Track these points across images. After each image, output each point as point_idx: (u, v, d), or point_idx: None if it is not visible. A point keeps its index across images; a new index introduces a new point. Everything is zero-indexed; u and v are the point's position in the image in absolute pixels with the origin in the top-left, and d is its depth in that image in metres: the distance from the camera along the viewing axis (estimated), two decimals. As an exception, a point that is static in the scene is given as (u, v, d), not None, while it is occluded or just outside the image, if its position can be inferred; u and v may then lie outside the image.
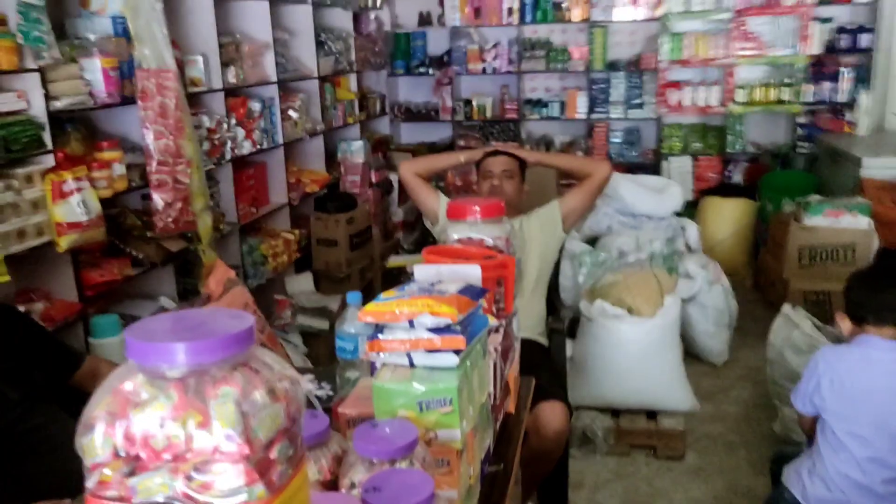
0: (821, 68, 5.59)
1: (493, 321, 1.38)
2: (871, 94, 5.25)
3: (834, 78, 5.55)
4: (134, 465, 0.50)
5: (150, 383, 0.51)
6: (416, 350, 1.13)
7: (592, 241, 3.87)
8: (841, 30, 5.52)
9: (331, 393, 1.70)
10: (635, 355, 3.05)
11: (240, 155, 3.88)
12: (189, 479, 0.49)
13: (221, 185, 3.78)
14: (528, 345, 2.43)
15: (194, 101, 3.52)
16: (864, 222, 3.86)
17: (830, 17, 5.56)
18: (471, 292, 1.23)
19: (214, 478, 0.49)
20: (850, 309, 1.98)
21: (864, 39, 5.44)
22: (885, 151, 4.46)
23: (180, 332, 0.52)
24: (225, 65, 3.77)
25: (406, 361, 1.15)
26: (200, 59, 3.56)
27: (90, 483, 0.51)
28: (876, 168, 4.25)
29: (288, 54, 4.53)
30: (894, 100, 5.21)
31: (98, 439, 0.50)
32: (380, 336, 1.16)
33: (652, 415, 3.12)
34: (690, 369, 3.35)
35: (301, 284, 4.29)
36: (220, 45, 3.71)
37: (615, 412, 3.15)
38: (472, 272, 1.37)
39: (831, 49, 5.54)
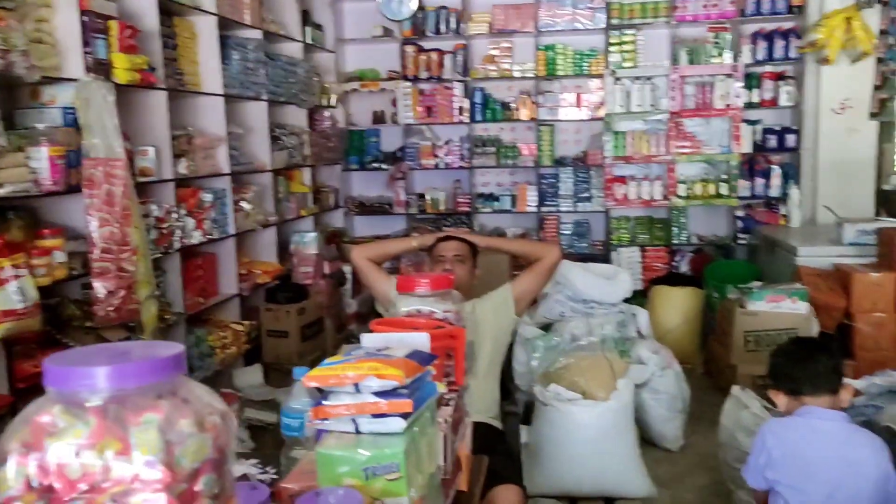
0: (753, 165, 5.88)
1: (442, 389, 1.36)
2: (801, 189, 5.52)
3: (765, 174, 5.84)
4: (48, 498, 0.46)
5: (67, 412, 0.48)
6: (361, 415, 1.11)
7: (545, 328, 3.88)
8: (768, 130, 5.86)
9: (275, 476, 1.63)
10: (591, 439, 3.02)
11: (189, 244, 3.84)
12: (106, 511, 0.46)
13: (169, 275, 3.72)
14: (482, 428, 2.39)
15: (144, 190, 3.51)
16: (803, 307, 3.97)
17: (758, 119, 5.91)
18: (419, 357, 1.21)
19: (133, 509, 0.46)
20: (782, 384, 2.02)
21: (789, 139, 5.78)
22: (818, 241, 4.66)
23: (103, 358, 0.50)
24: (177, 156, 3.79)
25: (352, 427, 1.12)
26: (152, 150, 3.57)
27: (0, 519, 0.47)
28: (811, 256, 4.42)
29: (242, 148, 4.58)
30: (824, 194, 5.47)
31: (10, 471, 0.47)
32: (324, 402, 1.13)
33: (609, 501, 3.06)
34: (646, 455, 3.32)
35: (250, 377, 4.18)
36: (173, 137, 3.75)
37: (572, 500, 3.07)
38: (421, 340, 1.35)
39: (761, 148, 5.86)
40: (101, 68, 3.10)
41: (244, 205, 4.46)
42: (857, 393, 2.57)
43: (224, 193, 4.25)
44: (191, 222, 3.86)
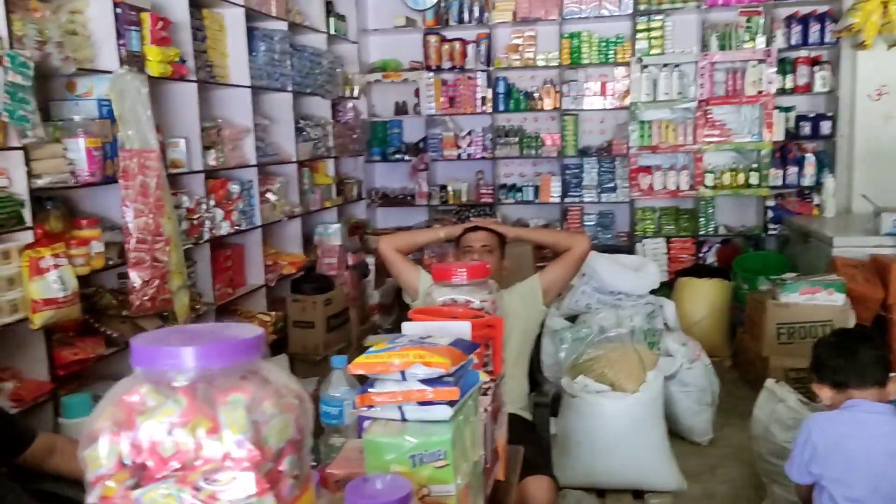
0: (785, 154, 5.80)
1: (484, 377, 1.36)
2: (836, 178, 5.43)
3: (798, 163, 5.75)
4: (139, 477, 0.47)
5: (156, 391, 0.49)
6: (408, 402, 1.11)
7: (572, 320, 3.87)
8: (802, 117, 5.77)
9: (313, 464, 1.64)
10: (620, 431, 3.01)
11: (218, 235, 3.88)
12: (197, 489, 0.47)
13: (199, 265, 3.75)
14: (512, 419, 2.38)
15: (175, 181, 3.54)
16: (839, 299, 3.92)
17: (791, 105, 5.82)
18: (462, 345, 1.21)
19: (223, 487, 0.47)
20: (827, 377, 1.99)
21: (824, 127, 5.69)
22: (854, 231, 4.59)
23: (187, 339, 0.51)
24: (206, 148, 3.82)
25: (398, 415, 1.12)
26: (183, 141, 3.60)
27: (91, 498, 0.48)
28: (846, 247, 4.35)
29: (267, 139, 4.61)
30: (860, 183, 5.39)
31: (103, 449, 0.48)
32: (370, 389, 1.13)
33: (639, 495, 3.05)
34: (675, 448, 3.30)
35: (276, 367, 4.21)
36: (203, 129, 3.77)
37: (601, 492, 3.07)
38: (462, 328, 1.36)
39: (794, 136, 5.77)
40: (134, 60, 3.13)
41: (270, 196, 4.49)
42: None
43: (251, 185, 4.28)
44: (219, 213, 3.90)
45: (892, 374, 1.98)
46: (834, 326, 3.81)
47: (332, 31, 5.54)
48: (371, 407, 1.14)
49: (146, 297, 2.95)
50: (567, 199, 6.17)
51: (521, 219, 6.36)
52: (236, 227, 4.07)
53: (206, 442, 0.47)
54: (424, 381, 1.11)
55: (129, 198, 2.91)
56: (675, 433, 3.58)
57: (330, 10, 5.57)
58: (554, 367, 3.56)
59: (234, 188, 4.09)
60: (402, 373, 1.12)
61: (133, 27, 3.13)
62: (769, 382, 2.98)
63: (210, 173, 3.89)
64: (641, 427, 3.08)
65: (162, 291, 3.00)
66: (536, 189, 6.22)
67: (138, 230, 2.93)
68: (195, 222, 3.60)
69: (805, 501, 2.01)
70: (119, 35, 3.06)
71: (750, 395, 3.19)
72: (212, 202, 3.84)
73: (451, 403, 1.11)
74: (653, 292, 3.97)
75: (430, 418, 1.11)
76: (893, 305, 3.92)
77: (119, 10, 3.05)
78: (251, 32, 4.33)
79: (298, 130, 4.97)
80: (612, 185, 6.12)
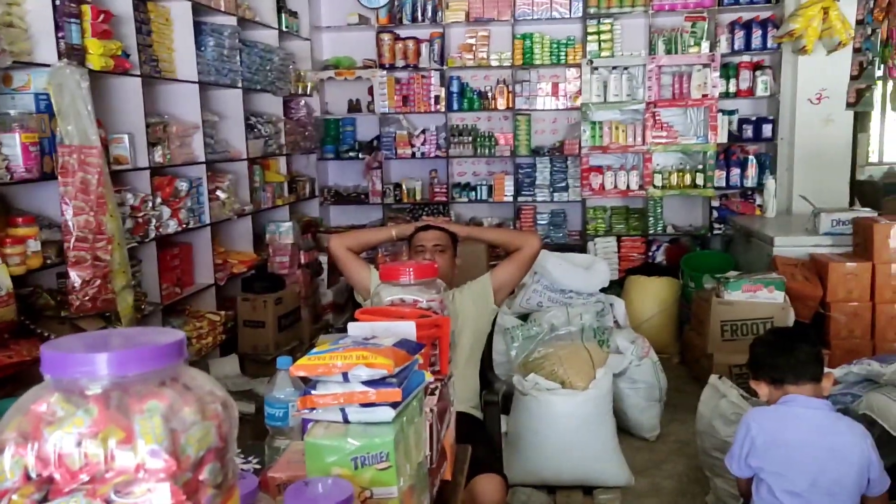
0: (729, 155, 5.94)
1: (429, 378, 1.35)
2: (777, 180, 5.58)
3: (741, 164, 5.90)
4: (47, 490, 0.45)
5: (67, 400, 0.47)
6: (350, 404, 1.09)
7: (524, 319, 3.89)
8: (744, 121, 5.92)
9: (258, 466, 1.61)
10: (570, 428, 3.03)
11: (164, 234, 3.79)
12: (108, 502, 0.45)
13: (144, 264, 3.67)
14: (462, 418, 2.39)
15: (119, 178, 3.46)
16: (779, 297, 4.02)
17: (735, 109, 5.96)
18: (407, 346, 1.21)
19: (137, 500, 0.45)
20: (764, 374, 2.04)
21: (766, 129, 5.85)
22: (794, 231, 4.71)
23: (101, 345, 0.49)
24: (152, 144, 3.73)
25: (340, 417, 1.10)
26: (126, 137, 3.52)
27: (-5, 514, 0.46)
28: (786, 246, 4.46)
29: (217, 136, 4.53)
30: (799, 184, 5.55)
31: (6, 462, 0.45)
32: (312, 392, 1.11)
33: (588, 491, 3.08)
34: (624, 444, 3.34)
35: (226, 368, 4.14)
36: (148, 125, 3.69)
37: (551, 489, 3.09)
38: (407, 329, 1.34)
39: (737, 138, 5.92)
40: (74, 54, 3.04)
41: (220, 194, 4.41)
42: (834, 382, 2.61)
43: (200, 182, 4.20)
44: (166, 211, 3.81)
45: (827, 371, 2.03)
46: (774, 323, 3.91)
47: (284, 28, 5.47)
48: (313, 409, 1.12)
49: (87, 298, 2.86)
50: (520, 199, 6.21)
51: (474, 217, 6.38)
52: (184, 226, 3.99)
53: (118, 453, 0.45)
54: (367, 383, 1.10)
55: (69, 195, 2.83)
56: (624, 429, 3.63)
57: (281, 6, 5.50)
58: (505, 365, 3.57)
59: (182, 186, 4.00)
60: (345, 374, 1.10)
61: (73, 19, 3.04)
62: (713, 378, 3.04)
63: (156, 170, 3.80)
64: (591, 424, 3.11)
65: (104, 291, 2.92)
66: (490, 188, 6.25)
67: (78, 228, 2.84)
68: (140, 220, 3.52)
69: (744, 494, 2.05)
70: (58, 27, 2.97)
71: (696, 391, 3.24)
72: (158, 200, 3.75)
73: (394, 405, 1.10)
74: (603, 290, 4.02)
75: (373, 420, 1.10)
76: (831, 303, 4.04)
77: (58, 2, 2.96)
78: (199, 27, 4.25)
79: (249, 127, 4.90)
80: (564, 184, 6.17)
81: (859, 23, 4.38)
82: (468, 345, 2.62)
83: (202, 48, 4.28)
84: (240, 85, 4.69)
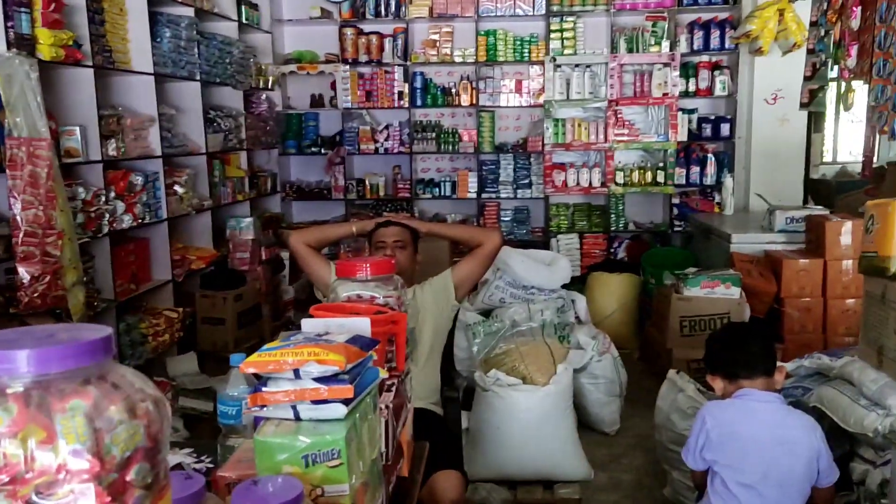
0: (689, 154, 6.02)
1: (384, 374, 1.34)
2: (735, 178, 5.68)
3: (701, 162, 5.98)
4: (-39, 493, 0.43)
5: (-15, 398, 0.45)
6: (301, 401, 1.08)
7: (486, 314, 3.89)
8: (703, 119, 6.01)
9: (211, 465, 1.59)
10: (530, 424, 3.05)
11: (119, 229, 3.71)
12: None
13: (97, 260, 3.58)
14: (422, 414, 2.38)
15: (70, 171, 3.37)
16: (735, 293, 4.09)
17: (694, 108, 6.04)
18: (360, 342, 1.19)
19: (59, 502, 0.43)
20: (719, 368, 2.07)
21: (724, 128, 5.95)
22: (750, 228, 4.79)
23: (24, 341, 0.47)
24: (105, 137, 3.65)
25: (291, 414, 1.08)
26: (78, 129, 3.43)
27: None
28: (743, 243, 4.55)
29: (174, 129, 4.44)
30: (756, 182, 5.65)
31: (-82, 464, 0.43)
32: (263, 389, 1.09)
33: (548, 485, 3.10)
34: (584, 439, 3.37)
35: (184, 365, 4.07)
36: (101, 118, 3.60)
37: (512, 484, 3.10)
38: (362, 325, 1.33)
39: (696, 136, 6.00)
40: (23, 43, 2.96)
41: (178, 188, 4.33)
42: (787, 375, 2.66)
43: (156, 176, 4.12)
44: (121, 206, 3.73)
45: (779, 364, 2.07)
46: (731, 319, 3.98)
47: (244, 20, 5.39)
48: (264, 406, 1.10)
49: (36, 294, 2.79)
50: (484, 195, 6.22)
51: (438, 214, 6.37)
52: (139, 221, 3.91)
53: (39, 453, 0.43)
54: (319, 380, 1.08)
55: (17, 188, 2.75)
56: (585, 424, 3.66)
57: (241, -3, 5.42)
58: (467, 361, 3.57)
59: (137, 180, 3.92)
60: (296, 371, 1.09)
61: (22, 8, 2.95)
62: (671, 373, 3.08)
63: (110, 164, 3.72)
64: (552, 419, 3.13)
65: (54, 288, 2.85)
66: (453, 184, 6.25)
67: (27, 223, 2.77)
68: (93, 215, 3.44)
69: (699, 487, 2.08)
70: (7, 17, 2.88)
71: (656, 386, 3.28)
72: (112, 194, 3.67)
73: (346, 402, 1.08)
74: (566, 287, 4.04)
75: (325, 417, 1.08)
76: (785, 299, 4.12)
77: (7, -10, 2.87)
78: (155, 17, 4.16)
79: (208, 121, 4.82)
80: (527, 181, 6.20)
81: (813, 24, 4.46)
82: (429, 341, 2.62)
83: (158, 39, 4.19)
84: (198, 77, 4.61)
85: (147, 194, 4.00)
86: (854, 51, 3.82)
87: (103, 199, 3.54)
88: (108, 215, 3.57)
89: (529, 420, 3.07)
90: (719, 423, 1.95)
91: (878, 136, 3.87)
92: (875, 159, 4.32)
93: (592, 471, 3.22)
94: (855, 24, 3.81)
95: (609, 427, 3.75)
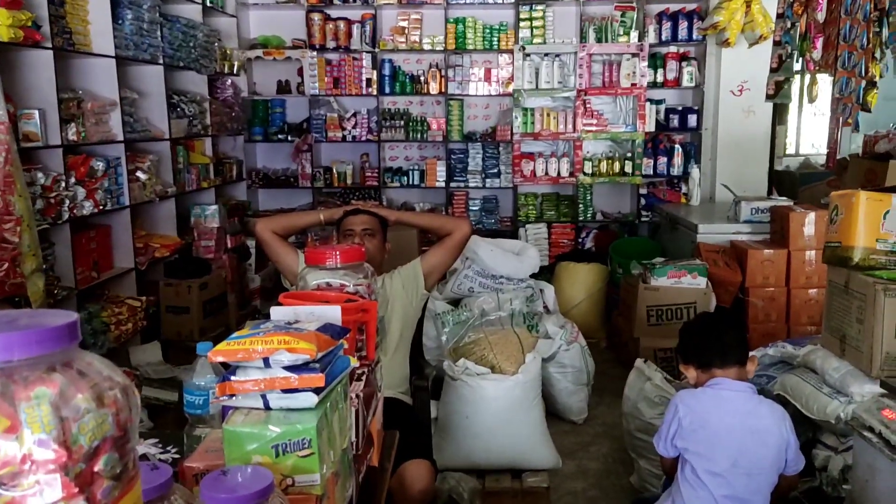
0: (656, 144, 6.07)
1: (354, 363, 1.32)
2: (701, 168, 5.74)
3: (668, 153, 6.03)
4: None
5: (-57, 386, 0.42)
6: (271, 390, 1.06)
7: (455, 303, 3.88)
8: (671, 110, 6.06)
9: (177, 456, 1.56)
10: (499, 413, 3.05)
11: (80, 216, 3.63)
12: (-9, 496, 0.41)
13: (57, 248, 3.50)
14: (391, 403, 2.37)
15: (28, 156, 3.28)
16: (702, 282, 4.14)
17: (662, 98, 6.09)
18: (331, 331, 1.17)
19: (24, 493, 0.41)
20: (692, 358, 2.09)
21: (691, 119, 6.00)
22: (716, 219, 4.85)
23: (-16, 326, 0.44)
24: (65, 121, 3.56)
25: (261, 404, 1.06)
26: (37, 113, 3.34)
27: None
28: (709, 234, 4.60)
29: (137, 114, 4.35)
30: (722, 173, 5.72)
31: None
32: (232, 378, 1.07)
33: (517, 474, 3.11)
34: (552, 427, 3.39)
35: (148, 355, 4.01)
36: (61, 101, 3.51)
37: (480, 473, 3.10)
38: (332, 313, 1.31)
39: (664, 127, 6.05)
40: (-22, 22, 2.86)
41: (140, 175, 4.25)
42: (754, 364, 2.69)
43: (118, 162, 4.03)
44: (81, 192, 3.64)
45: (751, 354, 2.10)
46: (697, 309, 4.03)
47: (209, 3, 5.29)
48: (233, 396, 1.08)
49: (-6, 282, 2.71)
50: (452, 184, 6.20)
51: (406, 203, 6.34)
52: (101, 207, 3.82)
53: (3, 443, 0.41)
54: (289, 368, 1.07)
55: (-26, 173, 2.67)
56: (553, 412, 3.68)
57: (206, -20, 5.32)
58: (436, 350, 3.56)
59: (99, 165, 3.83)
60: (266, 359, 1.06)
61: (-22, -14, 2.86)
62: (638, 362, 3.10)
63: (70, 148, 3.63)
64: (520, 408, 3.13)
65: (12, 275, 2.77)
66: (422, 173, 6.22)
67: (-16, 209, 2.69)
68: (52, 201, 3.35)
69: (668, 473, 2.10)
70: (-38, -6, 2.78)
71: (623, 375, 3.30)
72: (72, 180, 3.58)
73: (317, 391, 1.06)
74: (534, 276, 4.05)
75: (295, 406, 1.07)
76: (750, 288, 4.18)
77: (-39, -33, 2.77)
78: (116, -1, 4.06)
79: (172, 106, 4.72)
80: (496, 170, 6.20)
81: (779, 17, 4.52)
82: (398, 330, 2.60)
83: (119, 21, 4.09)
84: (161, 61, 4.52)
85: (109, 180, 3.91)
86: (819, 43, 3.88)
87: (63, 184, 3.45)
88: (68, 201, 3.49)
89: (498, 409, 3.07)
90: (691, 411, 1.96)
91: (841, 128, 3.94)
92: (839, 151, 4.40)
93: (560, 459, 3.24)
94: (821, 16, 3.87)
95: (577, 416, 3.78)
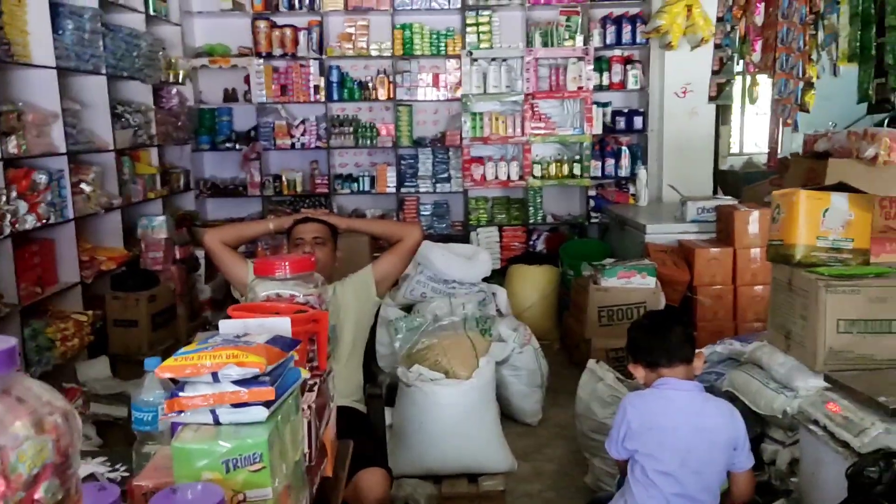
0: (604, 146, 6.17)
1: (306, 374, 1.32)
2: (648, 169, 5.85)
3: (615, 155, 6.14)
4: None
5: None
6: (220, 405, 1.05)
7: (408, 309, 3.89)
8: (617, 112, 6.17)
9: (126, 474, 1.53)
10: (454, 418, 3.06)
11: (22, 230, 3.53)
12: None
13: (-1, 263, 3.40)
14: (345, 412, 2.36)
15: (-34, 170, 3.18)
16: (651, 282, 4.22)
17: (608, 101, 6.20)
18: (281, 343, 1.17)
19: (-40, 524, 0.41)
20: (641, 357, 2.12)
21: (637, 121, 6.11)
22: (663, 219, 4.95)
23: (-84, 355, 0.44)
24: (5, 133, 3.47)
25: (210, 419, 1.06)
26: (-26, 126, 3.24)
27: None
28: (657, 234, 4.69)
29: (80, 125, 4.25)
30: (668, 174, 5.84)
31: None
32: (180, 394, 1.06)
33: (473, 478, 3.12)
34: (507, 430, 3.41)
35: (95, 370, 3.92)
36: (0, 114, 3.41)
37: (437, 479, 3.11)
38: (282, 325, 1.31)
39: (611, 129, 6.16)
40: None
41: (84, 187, 4.15)
42: (702, 361, 2.75)
43: (61, 175, 3.93)
44: (23, 206, 3.55)
45: (698, 351, 2.13)
46: (647, 308, 4.11)
47: (152, 12, 5.20)
48: (182, 412, 1.07)
49: (-69, 301, 2.62)
50: (403, 190, 6.21)
51: (357, 209, 6.33)
52: (44, 221, 3.73)
53: (-64, 474, 0.41)
54: (238, 382, 1.06)
55: None
56: (507, 415, 3.71)
57: (149, -12, 5.22)
58: (389, 357, 3.56)
59: (41, 178, 3.73)
60: (215, 374, 1.06)
61: None
62: (590, 363, 3.15)
63: (10, 162, 3.53)
64: (475, 412, 3.15)
65: (-49, 294, 2.68)
66: (372, 179, 6.22)
67: (-81, 226, 2.60)
68: (-7, 216, 3.26)
69: (623, 473, 2.13)
70: None
71: (576, 376, 3.35)
72: (13, 194, 3.48)
73: (268, 404, 1.06)
74: (487, 279, 4.08)
75: (246, 420, 1.06)
76: (698, 287, 4.28)
77: None
78: (56, 9, 3.96)
79: (116, 116, 4.63)
80: (446, 175, 6.22)
81: (720, 20, 4.64)
82: (350, 338, 2.60)
83: (60, 31, 3.99)
84: (104, 71, 4.42)
85: (52, 193, 3.82)
86: (759, 46, 3.99)
87: (4, 198, 3.36)
88: (9, 216, 3.39)
89: (453, 414, 3.08)
90: (640, 413, 1.99)
91: (781, 128, 4.06)
92: (780, 150, 4.53)
93: (516, 462, 3.26)
94: (759, 20, 3.98)
95: (531, 418, 3.81)
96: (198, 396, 1.05)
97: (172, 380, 1.12)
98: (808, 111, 3.97)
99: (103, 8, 4.44)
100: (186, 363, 1.05)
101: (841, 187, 2.39)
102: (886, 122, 5.93)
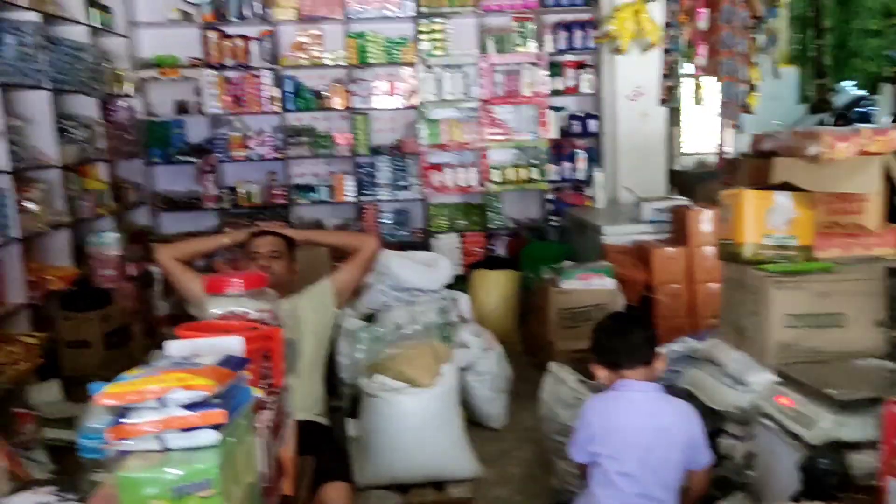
0: (560, 150, 6.21)
1: (259, 394, 1.29)
2: (604, 172, 5.91)
3: (571, 158, 6.19)
4: None
5: None
6: (169, 430, 1.01)
7: (369, 319, 3.85)
8: (573, 116, 6.22)
9: (78, 503, 1.48)
10: (418, 427, 3.04)
11: (-35, 252, 3.41)
12: None
13: (-59, 288, 3.28)
14: (307, 426, 2.32)
15: None
16: (609, 283, 4.25)
17: (563, 105, 6.25)
18: (230, 363, 1.14)
19: None
20: (603, 357, 2.13)
21: (591, 125, 6.17)
22: (620, 220, 5.00)
23: None
24: (-56, 152, 3.35)
25: (158, 445, 1.02)
26: (-89, 145, 3.12)
27: None
28: (614, 235, 4.73)
29: (23, 142, 4.13)
30: (623, 175, 5.89)
31: None
32: (123, 420, 1.02)
33: (439, 486, 3.10)
34: (473, 436, 3.39)
35: (46, 394, 3.80)
36: (-63, 131, 3.30)
37: (403, 488, 3.08)
38: (234, 344, 1.27)
39: (567, 133, 6.21)
40: None
41: (29, 205, 4.04)
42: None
43: (4, 193, 3.82)
44: (-34, 227, 3.43)
45: (660, 352, 2.15)
46: (607, 309, 4.12)
47: (97, 24, 5.08)
48: (127, 439, 1.03)
49: None
50: (362, 198, 6.17)
51: (317, 219, 6.26)
52: (-12, 242, 3.61)
53: None
54: (187, 406, 1.03)
55: None
56: (472, 420, 3.70)
57: (92, 0, 5.10)
58: (351, 368, 3.52)
59: (-17, 197, 3.62)
60: (161, 399, 1.02)
61: None
62: (553, 365, 3.16)
63: (-50, 182, 3.41)
64: (439, 420, 3.13)
65: None
66: (331, 188, 6.16)
67: None
68: (-67, 238, 3.14)
69: (584, 477, 2.13)
70: None
71: (539, 379, 3.35)
72: (-46, 214, 3.37)
73: (219, 427, 1.03)
74: (449, 286, 4.06)
75: (196, 445, 1.03)
76: (656, 286, 4.32)
77: None
78: (-4, 23, 3.86)
79: (61, 131, 4.52)
80: (405, 183, 6.20)
81: (668, 25, 4.71)
82: (311, 351, 2.57)
83: (1, 46, 3.88)
84: (47, 86, 4.31)
85: (-5, 212, 3.70)
86: (704, 50, 4.05)
87: (-57, 220, 3.24)
88: (-50, 238, 3.28)
89: (417, 423, 3.06)
90: (601, 416, 2.00)
91: (729, 130, 4.12)
92: (732, 150, 4.60)
93: (481, 468, 3.25)
94: (703, 25, 4.04)
95: (496, 422, 3.81)
96: (144, 423, 1.01)
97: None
98: (751, 113, 4.04)
99: (45, 21, 4.33)
100: (129, 389, 1.02)
101: (787, 186, 2.43)
102: (834, 120, 6.08)
